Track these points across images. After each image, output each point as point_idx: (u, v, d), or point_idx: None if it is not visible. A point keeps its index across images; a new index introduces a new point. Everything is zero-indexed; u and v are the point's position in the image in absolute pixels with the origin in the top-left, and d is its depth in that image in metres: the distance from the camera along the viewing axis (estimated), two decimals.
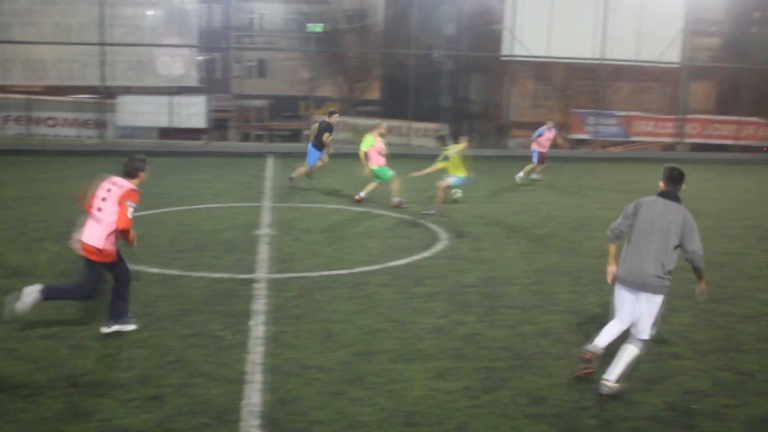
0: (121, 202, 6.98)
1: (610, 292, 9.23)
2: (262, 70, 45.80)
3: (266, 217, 13.59)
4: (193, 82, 28.14)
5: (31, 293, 7.10)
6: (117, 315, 7.39)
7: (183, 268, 9.90)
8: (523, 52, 28.49)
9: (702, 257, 6.58)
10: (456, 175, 15.10)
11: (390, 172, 15.20)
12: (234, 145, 31.67)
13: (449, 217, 13.98)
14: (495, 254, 11.27)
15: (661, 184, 6.71)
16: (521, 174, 19.65)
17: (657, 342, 7.60)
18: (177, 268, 9.93)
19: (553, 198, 17.02)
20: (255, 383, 6.31)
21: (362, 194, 15.50)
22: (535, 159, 19.86)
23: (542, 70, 33.49)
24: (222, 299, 8.60)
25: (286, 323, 7.81)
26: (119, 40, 26.27)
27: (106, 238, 7.05)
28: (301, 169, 17.53)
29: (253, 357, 6.87)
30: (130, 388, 6.17)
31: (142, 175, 7.27)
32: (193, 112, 26.58)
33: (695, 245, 6.52)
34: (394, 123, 29.30)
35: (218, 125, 33.41)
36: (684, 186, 6.72)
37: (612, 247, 6.78)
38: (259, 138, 38.99)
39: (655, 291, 6.45)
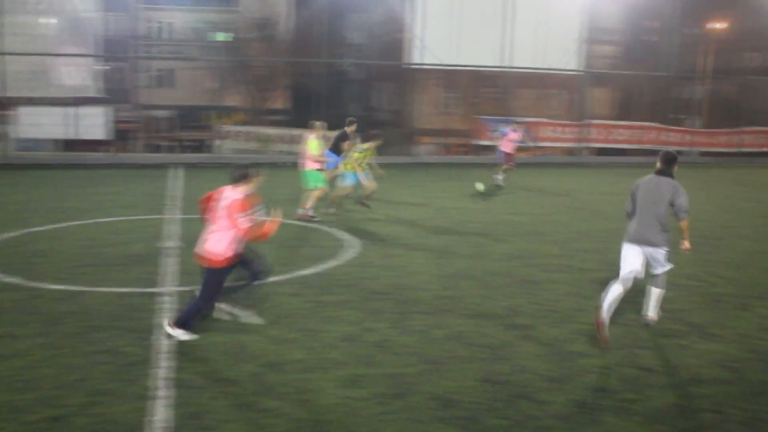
0: (230, 216, 7.28)
1: (519, 296, 9.50)
2: (168, 79, 45.03)
3: (174, 230, 13.35)
4: (94, 93, 27.43)
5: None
6: (185, 322, 7.54)
7: (88, 284, 9.63)
8: (430, 61, 28.85)
9: (687, 212, 8.08)
10: (351, 173, 15.26)
11: (320, 183, 14.60)
12: (141, 156, 31.04)
13: (359, 224, 14.00)
14: (405, 260, 11.35)
15: (658, 165, 8.20)
16: (499, 176, 20.57)
17: (562, 342, 7.80)
18: (82, 283, 9.65)
19: (462, 203, 17.25)
20: (163, 399, 6.17)
21: (309, 212, 14.62)
22: (502, 159, 20.76)
23: (448, 77, 33.97)
24: (129, 314, 8.40)
25: (196, 336, 7.68)
26: (16, 49, 25.41)
27: (227, 247, 7.41)
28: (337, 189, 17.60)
29: (161, 372, 6.72)
30: (33, 410, 5.96)
31: (250, 181, 7.50)
32: (94, 123, 25.88)
33: (682, 204, 8.01)
34: (303, 132, 29.22)
35: (124, 136, 32.70)
36: (676, 167, 8.19)
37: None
38: (166, 149, 38.31)
39: (659, 245, 8.12)
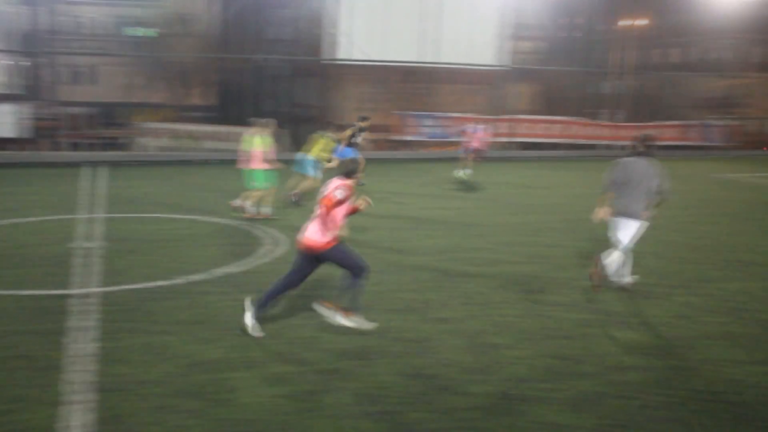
0: (329, 203, 7.55)
1: (444, 289, 9.55)
2: (89, 76, 43.94)
3: (94, 229, 13.04)
4: (7, 89, 26.53)
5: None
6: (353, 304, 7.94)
7: (2, 287, 9.32)
8: (354, 56, 28.84)
9: (670, 193, 9.46)
10: (310, 158, 15.84)
11: (266, 182, 14.19)
12: (61, 154, 30.16)
13: (289, 221, 13.89)
14: None
15: (639, 147, 9.38)
16: (468, 171, 20.92)
17: (485, 334, 7.89)
18: None
19: (388, 199, 17.27)
20: (81, 403, 6.02)
21: (252, 209, 14.38)
22: (464, 153, 21.22)
23: (372, 73, 33.97)
24: (45, 317, 8.15)
25: (118, 338, 7.51)
26: None
27: (323, 231, 7.65)
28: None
29: (79, 376, 6.55)
30: None
31: (356, 176, 7.96)
32: (6, 121, 24.98)
33: (667, 186, 9.35)
34: (229, 129, 28.91)
35: (43, 134, 31.76)
36: (653, 146, 9.42)
37: (605, 196, 9.50)
38: (88, 147, 37.33)
39: (637, 218, 9.29)
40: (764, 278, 10.89)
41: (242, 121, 28.26)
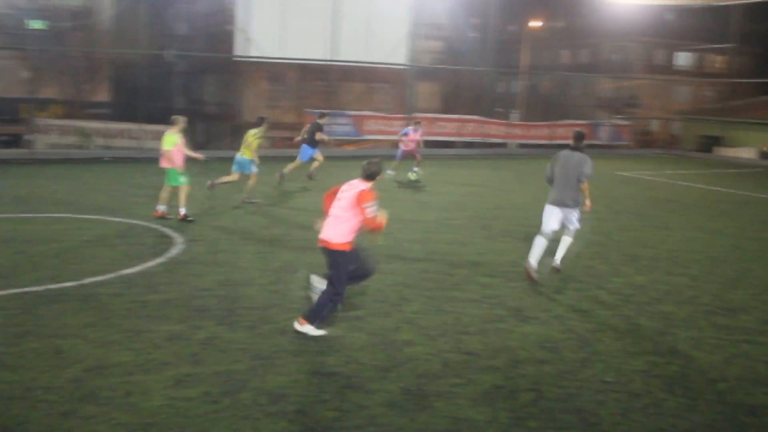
0: (358, 205, 7.57)
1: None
2: None
3: None
4: None
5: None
6: (315, 317, 7.78)
7: None
8: (257, 53, 28.57)
9: (587, 177, 10.26)
10: (244, 157, 15.83)
11: (183, 178, 13.70)
12: None
13: (186, 221, 13.62)
14: (231, 256, 11.18)
15: (571, 142, 10.49)
16: (416, 169, 21.50)
17: (389, 331, 7.95)
18: None
19: (289, 197, 17.17)
20: None
21: (182, 211, 13.75)
22: (398, 157, 21.61)
23: (276, 70, 33.79)
24: None
25: (7, 343, 7.22)
26: None
27: (348, 233, 7.74)
28: (291, 165, 19.11)
29: None
30: None
31: (378, 177, 7.89)
32: None
33: (586, 171, 10.24)
34: (125, 126, 28.21)
35: None
36: (585, 142, 10.56)
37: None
38: None
39: (573, 207, 10.42)
40: (654, 271, 11.34)
41: (136, 117, 27.66)
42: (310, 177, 19.62)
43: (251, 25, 28.44)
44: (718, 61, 55.76)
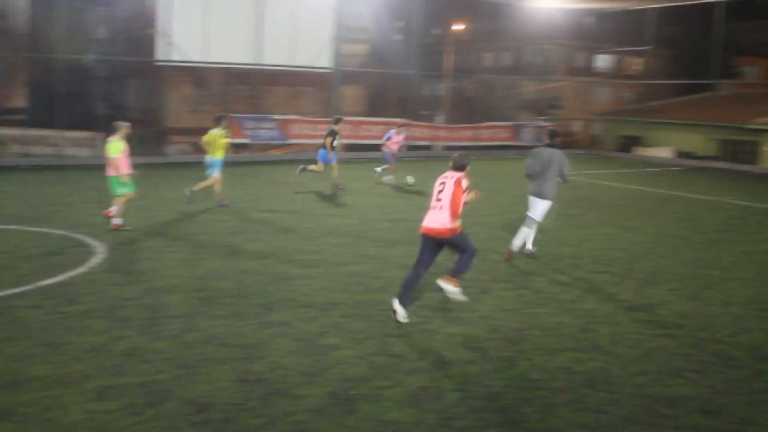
0: (457, 185, 8.59)
1: (272, 293, 9.50)
2: None
3: None
4: None
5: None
6: (460, 271, 8.80)
7: None
8: (179, 57, 28.16)
9: (570, 176, 11.87)
10: (215, 158, 16.26)
11: (123, 188, 13.30)
12: None
13: (106, 228, 13.33)
14: (155, 264, 10.99)
15: (547, 140, 11.97)
16: (379, 170, 22.08)
17: (316, 336, 7.93)
18: None
19: (212, 204, 16.95)
20: None
21: (117, 220, 13.42)
22: (392, 160, 22.01)
23: (199, 75, 33.36)
24: None
25: None
26: None
27: (452, 218, 8.51)
28: (335, 173, 19.80)
29: None
30: None
31: (467, 168, 8.97)
32: None
33: (567, 172, 11.72)
34: (43, 132, 27.44)
35: None
36: (559, 139, 12.15)
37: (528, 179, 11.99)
38: None
39: (547, 198, 11.65)
40: (576, 269, 11.57)
41: (54, 123, 26.93)
42: (338, 187, 19.91)
43: (173, 28, 28.02)
44: (636, 63, 57.24)
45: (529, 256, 12.15)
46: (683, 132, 38.20)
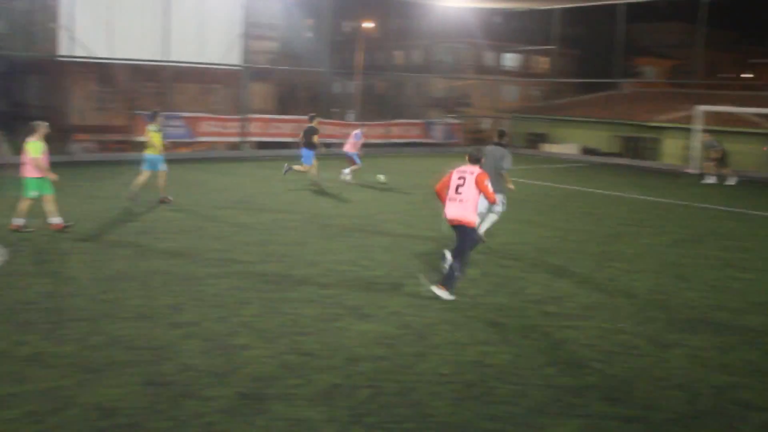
0: (479, 183, 9.58)
1: (181, 294, 9.34)
2: None
3: None
4: None
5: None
6: (450, 282, 9.65)
7: None
8: (83, 53, 27.36)
9: (508, 168, 12.78)
10: (152, 155, 16.45)
11: (33, 192, 12.73)
12: None
13: (4, 229, 12.84)
14: (59, 266, 10.66)
15: (495, 138, 13.22)
16: (347, 173, 22.20)
17: (225, 336, 7.82)
18: None
19: (116, 203, 16.53)
20: None
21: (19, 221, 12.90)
22: (358, 161, 22.29)
23: (104, 71, 32.46)
24: None
25: None
26: None
27: (473, 211, 9.66)
28: (300, 168, 20.53)
29: None
30: None
31: (482, 161, 10.04)
32: None
33: (507, 164, 12.82)
34: None
35: None
36: (506, 138, 13.41)
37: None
38: None
39: (500, 192, 12.39)
40: (487, 264, 11.74)
41: None
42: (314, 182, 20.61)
43: (76, 23, 27.19)
44: (542, 62, 58.47)
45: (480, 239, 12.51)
46: (588, 129, 39.24)
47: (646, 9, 43.84)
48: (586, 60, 56.51)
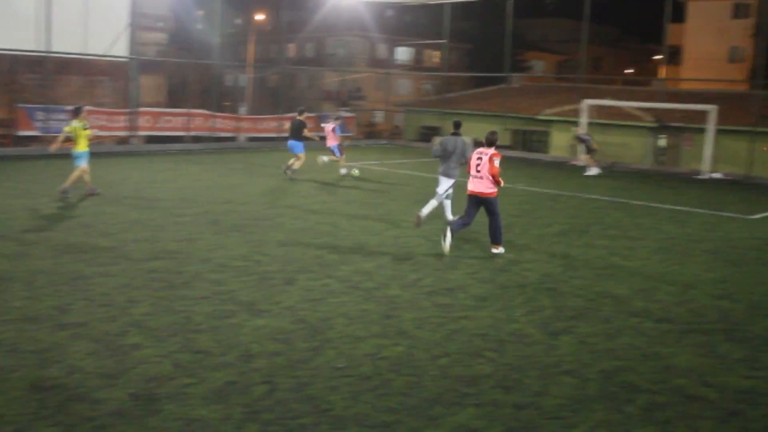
0: (491, 160, 11.85)
1: (67, 293, 9.02)
2: None
3: None
4: None
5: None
6: (498, 239, 12.39)
7: None
8: None
9: (468, 159, 12.95)
10: (80, 151, 16.48)
11: None
12: None
13: None
14: None
15: (453, 129, 13.95)
16: (344, 170, 23.06)
17: (115, 336, 7.61)
18: None
19: (17, 195, 15.86)
20: None
21: None
22: (339, 153, 22.95)
23: None
24: None
25: None
26: None
27: (492, 184, 12.02)
28: (298, 162, 21.64)
29: None
30: None
31: (497, 142, 12.28)
32: None
33: (467, 155, 13.20)
34: None
35: None
36: (461, 128, 13.98)
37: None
38: None
39: (454, 178, 14.04)
40: (380, 257, 11.81)
41: None
42: (286, 171, 21.70)
43: None
44: (434, 56, 59.18)
45: (449, 224, 12.78)
46: (480, 122, 39.92)
47: (534, 5, 45.00)
48: (477, 54, 57.61)
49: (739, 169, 29.65)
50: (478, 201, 12.17)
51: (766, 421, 6.39)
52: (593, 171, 27.48)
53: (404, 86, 55.83)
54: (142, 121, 30.55)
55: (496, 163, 11.81)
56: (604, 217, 17.08)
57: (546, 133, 37.67)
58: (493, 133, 12.29)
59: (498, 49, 42.36)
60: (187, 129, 32.05)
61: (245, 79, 50.28)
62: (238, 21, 58.95)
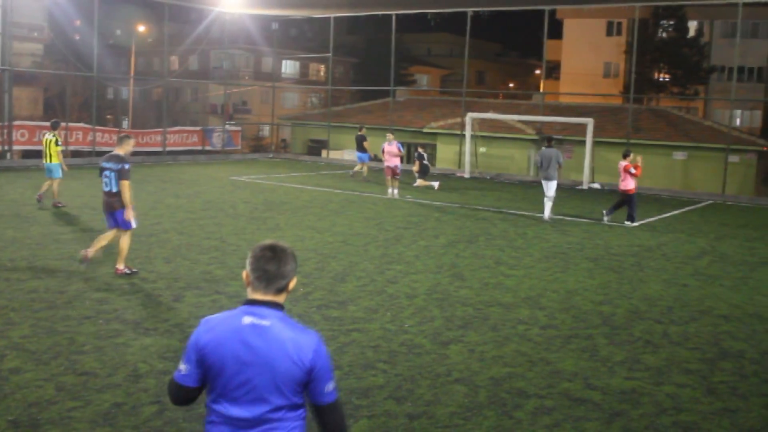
0: (626, 169, 18.06)
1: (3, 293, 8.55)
2: None
3: None
4: None
5: None
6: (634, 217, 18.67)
7: None
8: None
9: (563, 164, 19.39)
10: (54, 164, 17.14)
11: None
12: None
13: None
14: None
15: (546, 143, 18.98)
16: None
17: None
18: None
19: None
20: None
21: None
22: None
23: None
24: None
25: None
26: None
27: (631, 183, 17.97)
28: (364, 169, 27.48)
29: None
30: None
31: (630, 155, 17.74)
32: None
33: (561, 161, 18.56)
34: None
35: None
36: (553, 141, 19.43)
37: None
38: None
39: (553, 179, 18.60)
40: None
41: None
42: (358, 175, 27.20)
43: None
44: (321, 70, 59.30)
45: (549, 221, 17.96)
46: (367, 135, 40.26)
47: (418, 20, 45.67)
48: (363, 68, 58.05)
49: (616, 179, 30.76)
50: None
51: (648, 420, 6.68)
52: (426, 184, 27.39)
53: (291, 99, 55.70)
54: (17, 135, 29.31)
55: (632, 169, 18.22)
56: (490, 228, 17.48)
57: (432, 147, 38.27)
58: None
59: (383, 63, 42.81)
60: (65, 143, 30.92)
61: (127, 92, 49.05)
62: (119, 32, 57.47)
